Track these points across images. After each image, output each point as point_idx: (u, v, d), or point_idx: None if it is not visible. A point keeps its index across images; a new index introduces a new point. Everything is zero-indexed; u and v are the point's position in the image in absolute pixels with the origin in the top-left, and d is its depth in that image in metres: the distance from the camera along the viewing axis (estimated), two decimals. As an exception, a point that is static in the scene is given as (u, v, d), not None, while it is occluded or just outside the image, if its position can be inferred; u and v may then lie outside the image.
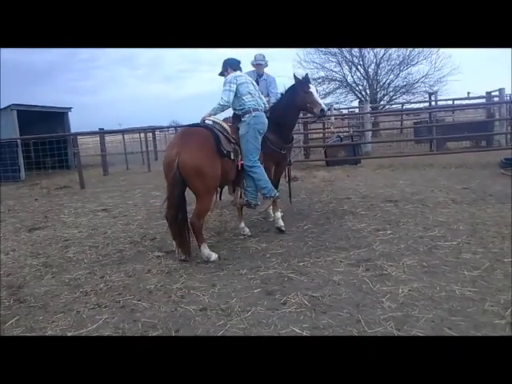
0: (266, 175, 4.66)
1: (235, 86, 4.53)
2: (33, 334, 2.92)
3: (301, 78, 5.34)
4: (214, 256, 4.22)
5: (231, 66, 4.72)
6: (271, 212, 5.66)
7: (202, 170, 4.03)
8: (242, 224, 5.11)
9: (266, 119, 4.71)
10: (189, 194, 4.27)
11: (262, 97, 4.90)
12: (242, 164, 4.50)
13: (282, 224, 5.12)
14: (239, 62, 4.78)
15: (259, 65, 6.02)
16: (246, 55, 5.99)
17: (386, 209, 5.78)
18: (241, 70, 4.79)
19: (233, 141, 4.44)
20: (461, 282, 3.26)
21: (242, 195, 4.86)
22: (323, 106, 5.17)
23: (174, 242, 4.35)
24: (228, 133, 4.45)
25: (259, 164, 4.59)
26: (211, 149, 4.15)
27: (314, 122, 8.31)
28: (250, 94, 4.60)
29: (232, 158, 4.39)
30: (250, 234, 5.01)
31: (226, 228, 5.38)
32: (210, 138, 4.20)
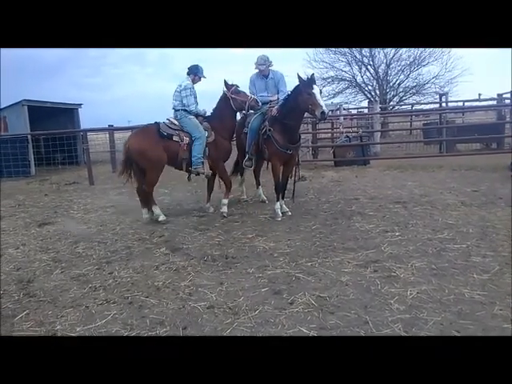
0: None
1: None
2: (42, 329, 2.96)
3: (306, 78, 5.33)
4: (162, 217, 5.70)
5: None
6: (279, 211, 5.67)
7: (143, 152, 5.52)
8: (208, 204, 6.32)
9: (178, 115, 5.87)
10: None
11: (184, 98, 5.77)
12: (187, 145, 5.69)
13: (225, 211, 5.91)
14: (192, 68, 5.88)
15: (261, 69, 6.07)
16: (253, 54, 6.10)
17: (394, 210, 5.75)
18: (193, 74, 5.88)
19: (174, 127, 5.73)
20: (470, 285, 3.25)
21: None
22: (324, 108, 5.14)
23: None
24: (173, 123, 5.77)
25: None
26: (152, 136, 5.60)
27: (317, 123, 8.32)
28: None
29: (175, 140, 5.65)
30: (212, 211, 6.16)
31: (234, 227, 5.38)
32: (152, 129, 5.68)
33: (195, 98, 5.94)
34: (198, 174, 5.86)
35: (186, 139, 5.69)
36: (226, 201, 5.97)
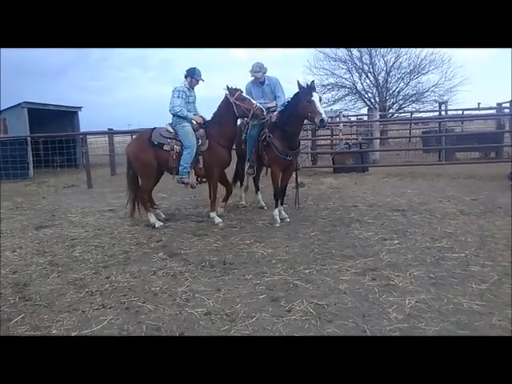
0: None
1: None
2: (37, 333, 2.93)
3: (305, 85, 5.34)
4: (158, 223, 5.75)
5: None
6: (277, 218, 5.66)
7: (136, 157, 5.80)
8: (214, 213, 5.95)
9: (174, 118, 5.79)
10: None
11: (171, 99, 5.71)
12: (177, 154, 5.63)
13: (220, 221, 5.79)
14: (190, 70, 5.74)
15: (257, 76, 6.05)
16: (253, 59, 5.99)
17: (393, 218, 5.74)
18: (190, 77, 5.74)
19: (169, 136, 5.71)
20: (468, 295, 3.23)
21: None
22: (324, 116, 5.12)
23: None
24: (168, 131, 5.75)
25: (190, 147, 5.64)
26: (145, 142, 5.78)
27: (317, 130, 8.31)
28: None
29: (165, 149, 5.67)
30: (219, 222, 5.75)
31: (232, 232, 5.36)
32: (146, 135, 5.84)
33: (190, 102, 5.82)
34: (183, 183, 5.76)
35: (177, 148, 5.64)
36: (214, 214, 5.88)
